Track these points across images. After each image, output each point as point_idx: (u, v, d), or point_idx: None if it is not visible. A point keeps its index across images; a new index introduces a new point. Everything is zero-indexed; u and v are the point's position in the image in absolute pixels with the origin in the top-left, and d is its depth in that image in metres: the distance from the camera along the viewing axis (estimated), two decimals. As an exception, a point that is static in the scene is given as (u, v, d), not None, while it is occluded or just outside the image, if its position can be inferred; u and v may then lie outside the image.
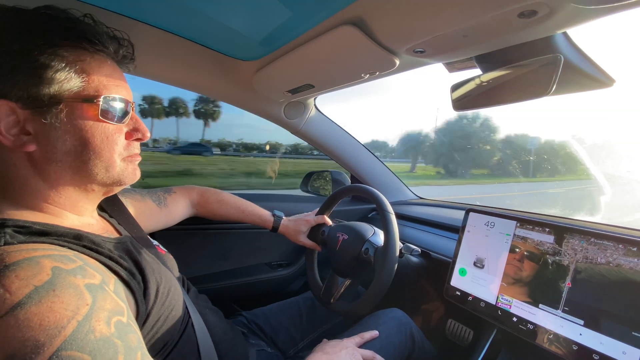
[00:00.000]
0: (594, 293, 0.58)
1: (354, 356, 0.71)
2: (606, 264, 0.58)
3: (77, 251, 0.42)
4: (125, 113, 0.50)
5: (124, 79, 0.52)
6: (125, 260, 0.48)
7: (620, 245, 0.57)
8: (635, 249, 0.56)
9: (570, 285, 0.61)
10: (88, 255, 0.43)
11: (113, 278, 0.44)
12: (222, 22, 0.77)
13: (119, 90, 0.49)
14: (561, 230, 0.66)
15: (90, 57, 0.46)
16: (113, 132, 0.49)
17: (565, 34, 0.55)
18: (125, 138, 0.51)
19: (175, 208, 0.89)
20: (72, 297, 0.34)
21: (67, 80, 0.43)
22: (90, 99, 0.45)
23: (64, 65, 0.43)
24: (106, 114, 0.47)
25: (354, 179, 1.50)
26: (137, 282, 0.47)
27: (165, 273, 0.55)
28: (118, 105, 0.49)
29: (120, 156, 0.50)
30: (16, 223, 0.40)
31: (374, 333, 0.80)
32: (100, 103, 0.46)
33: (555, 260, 0.65)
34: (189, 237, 1.13)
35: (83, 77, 0.45)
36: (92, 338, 0.33)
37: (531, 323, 0.65)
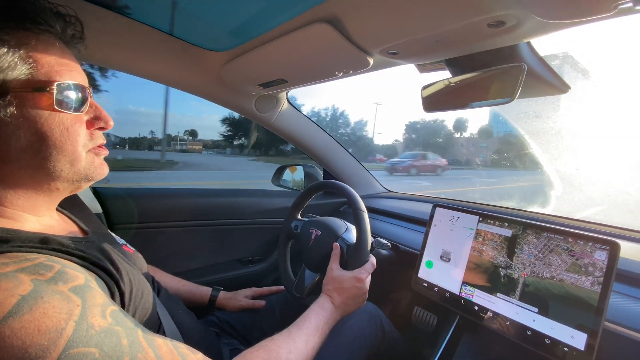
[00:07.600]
0: (545, 284, 0.64)
1: (363, 296, 0.76)
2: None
3: (49, 255, 0.39)
4: (83, 100, 0.45)
5: (76, 62, 0.47)
6: (101, 260, 0.45)
7: (569, 239, 0.63)
8: (582, 242, 0.62)
9: (525, 276, 0.67)
10: (61, 257, 0.40)
11: (93, 276, 0.42)
12: (189, 9, 0.73)
13: (73, 75, 0.44)
14: (519, 225, 0.71)
15: (35, 40, 0.41)
16: (72, 122, 0.44)
17: (528, 43, 0.58)
18: (87, 127, 0.47)
19: None
20: (62, 302, 0.34)
21: (11, 67, 0.38)
22: (42, 87, 0.41)
23: (5, 50, 0.38)
24: (62, 103, 0.42)
25: (326, 172, 1.50)
26: (114, 283, 0.45)
27: (137, 274, 0.52)
28: (74, 93, 0.44)
29: (85, 148, 0.46)
30: None
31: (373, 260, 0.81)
32: (54, 91, 0.41)
33: (512, 254, 0.70)
34: (156, 235, 1.08)
35: (30, 63, 0.40)
36: (93, 333, 0.34)
37: (490, 311, 0.70)
